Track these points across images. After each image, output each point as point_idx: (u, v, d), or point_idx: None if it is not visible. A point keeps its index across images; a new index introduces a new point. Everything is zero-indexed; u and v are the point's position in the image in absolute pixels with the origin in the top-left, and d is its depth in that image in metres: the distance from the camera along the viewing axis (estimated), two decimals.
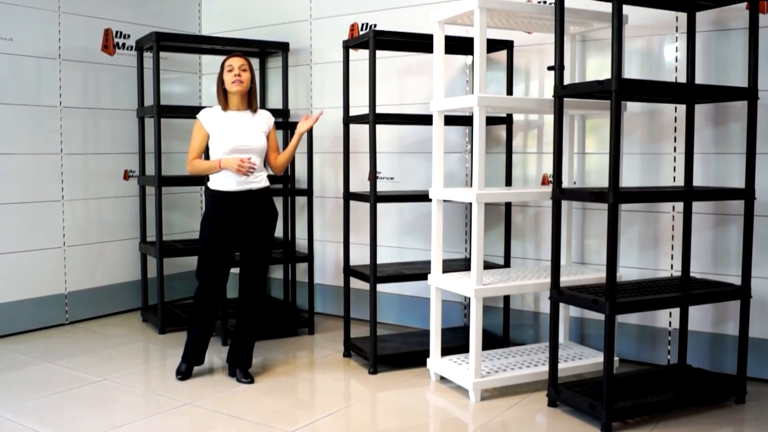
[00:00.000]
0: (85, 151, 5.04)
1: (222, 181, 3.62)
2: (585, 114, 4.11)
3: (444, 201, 3.78)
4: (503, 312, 4.30)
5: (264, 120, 3.74)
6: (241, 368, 3.76)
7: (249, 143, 3.62)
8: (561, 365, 3.58)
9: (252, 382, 3.71)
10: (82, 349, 4.36)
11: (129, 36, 5.25)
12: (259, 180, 3.66)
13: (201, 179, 4.89)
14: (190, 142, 3.69)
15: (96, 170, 5.11)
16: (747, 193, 3.34)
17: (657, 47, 3.95)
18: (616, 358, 3.73)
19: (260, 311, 3.81)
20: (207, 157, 3.77)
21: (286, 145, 4.60)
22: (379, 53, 4.11)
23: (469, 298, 4.13)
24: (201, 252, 3.71)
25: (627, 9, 3.46)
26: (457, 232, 4.62)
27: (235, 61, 3.63)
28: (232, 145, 3.58)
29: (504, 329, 4.31)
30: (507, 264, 4.30)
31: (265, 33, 5.33)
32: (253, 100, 3.71)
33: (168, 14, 5.54)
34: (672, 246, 3.93)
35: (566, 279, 3.63)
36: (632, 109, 3.97)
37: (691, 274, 3.69)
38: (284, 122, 4.87)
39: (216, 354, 4.28)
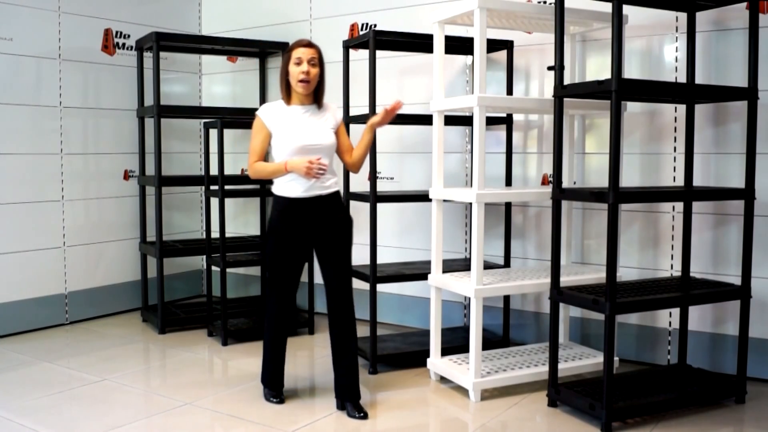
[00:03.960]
0: (85, 151, 5.04)
1: (287, 187, 3.22)
2: (585, 114, 4.11)
3: (444, 201, 3.78)
4: (503, 312, 4.30)
5: (332, 115, 3.33)
6: (351, 401, 3.31)
7: (317, 141, 3.20)
8: (561, 365, 3.58)
9: (366, 417, 3.26)
10: (82, 349, 4.36)
11: (129, 36, 5.25)
12: (329, 185, 3.24)
13: (201, 179, 4.92)
14: (250, 142, 3.28)
15: (96, 170, 5.11)
16: (747, 193, 3.33)
17: (657, 47, 3.95)
18: (616, 358, 3.73)
19: (354, 330, 3.38)
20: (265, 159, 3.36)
21: None
22: (379, 53, 4.11)
23: (469, 298, 4.13)
24: (268, 266, 3.36)
25: (627, 9, 3.46)
26: (457, 232, 4.62)
27: (305, 53, 3.20)
28: (299, 144, 3.17)
29: (504, 329, 4.31)
30: (507, 264, 4.30)
31: (265, 33, 5.32)
32: (320, 93, 3.29)
33: (168, 14, 5.54)
34: (672, 246, 3.93)
35: (566, 279, 3.62)
36: (632, 109, 3.96)
37: (691, 274, 3.69)
38: None
39: (215, 354, 4.28)
